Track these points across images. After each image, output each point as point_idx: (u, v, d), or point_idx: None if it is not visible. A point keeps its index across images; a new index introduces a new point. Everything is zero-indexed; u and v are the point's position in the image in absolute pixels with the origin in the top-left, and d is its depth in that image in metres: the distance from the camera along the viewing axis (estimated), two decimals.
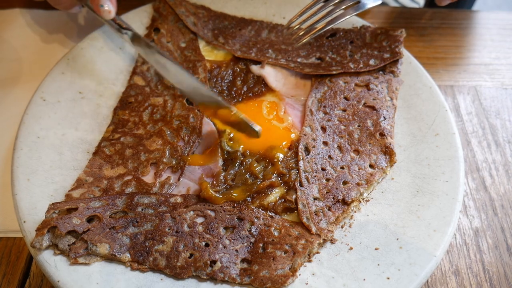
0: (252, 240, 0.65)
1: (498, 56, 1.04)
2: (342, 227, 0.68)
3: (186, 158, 0.73)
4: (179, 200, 0.68)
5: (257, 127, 0.72)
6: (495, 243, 0.77)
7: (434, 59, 1.03)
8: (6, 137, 0.84)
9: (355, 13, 0.81)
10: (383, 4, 1.23)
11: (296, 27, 0.82)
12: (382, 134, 0.76)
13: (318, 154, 0.74)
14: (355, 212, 0.69)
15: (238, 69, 0.86)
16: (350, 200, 0.69)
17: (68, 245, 0.61)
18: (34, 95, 0.78)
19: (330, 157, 0.74)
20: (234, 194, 0.69)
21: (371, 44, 0.88)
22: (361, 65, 0.85)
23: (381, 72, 0.85)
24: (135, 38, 0.82)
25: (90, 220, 0.64)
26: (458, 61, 1.03)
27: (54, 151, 0.73)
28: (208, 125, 0.78)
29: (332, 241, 0.66)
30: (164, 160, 0.72)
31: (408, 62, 0.86)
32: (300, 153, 0.73)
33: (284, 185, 0.70)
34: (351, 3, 0.81)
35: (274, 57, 0.88)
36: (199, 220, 0.66)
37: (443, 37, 1.07)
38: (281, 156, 0.73)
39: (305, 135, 0.76)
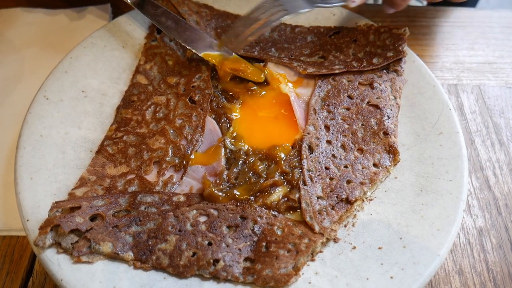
0: (255, 239, 0.65)
1: (502, 54, 1.04)
2: (345, 226, 0.68)
3: (189, 157, 0.73)
4: (182, 199, 0.68)
5: (262, 70, 0.82)
6: (499, 242, 0.76)
7: (438, 57, 1.02)
8: (9, 136, 0.84)
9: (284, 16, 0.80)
10: None
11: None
12: (385, 133, 0.76)
13: (322, 153, 0.73)
14: (358, 211, 0.69)
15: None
16: (353, 199, 0.68)
17: (71, 244, 0.61)
18: (37, 94, 0.78)
19: (333, 156, 0.73)
20: (237, 193, 0.69)
21: (374, 43, 0.87)
22: (365, 64, 0.84)
23: (384, 71, 0.84)
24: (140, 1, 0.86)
25: (93, 218, 0.64)
26: (461, 60, 1.03)
27: (57, 149, 0.73)
28: (210, 124, 0.77)
29: (335, 240, 0.66)
30: (167, 159, 0.72)
31: (412, 61, 0.86)
32: (303, 152, 0.73)
33: (288, 184, 0.70)
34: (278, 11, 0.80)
35: (277, 55, 0.88)
36: (202, 219, 0.66)
37: (447, 36, 1.06)
38: (283, 155, 0.73)
39: (308, 134, 0.76)
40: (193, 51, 0.84)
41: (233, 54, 0.84)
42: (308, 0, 0.82)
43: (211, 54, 0.83)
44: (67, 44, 0.95)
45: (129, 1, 0.87)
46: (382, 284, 0.61)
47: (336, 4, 0.84)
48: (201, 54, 0.83)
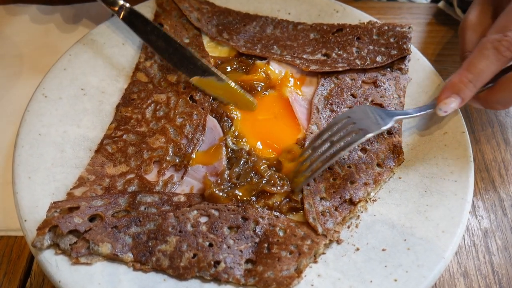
0: (257, 240, 0.63)
1: None
2: (348, 227, 0.67)
3: (189, 156, 0.72)
4: (182, 199, 0.67)
5: (254, 100, 0.78)
6: (504, 244, 0.75)
7: (442, 55, 1.01)
8: (7, 135, 0.83)
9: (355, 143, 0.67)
10: None
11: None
12: (389, 133, 0.75)
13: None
14: (362, 212, 0.68)
15: (243, 66, 0.84)
16: (357, 200, 0.67)
17: (70, 245, 0.60)
18: (35, 92, 0.77)
19: None
20: (239, 193, 0.68)
21: (378, 41, 0.86)
22: (368, 62, 0.83)
23: (388, 69, 0.83)
24: (129, 14, 0.83)
25: (92, 219, 0.63)
26: None
27: (55, 148, 0.72)
28: (212, 123, 0.76)
29: (339, 242, 0.65)
30: (167, 158, 0.71)
31: (416, 59, 0.85)
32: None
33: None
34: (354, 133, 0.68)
35: (279, 53, 0.86)
36: (203, 219, 0.65)
37: (451, 34, 1.05)
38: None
39: (311, 133, 0.74)
40: (183, 75, 0.80)
41: (225, 81, 0.78)
42: (387, 113, 0.71)
43: (202, 80, 0.79)
44: (66, 41, 0.94)
45: (120, 18, 0.84)
46: (386, 286, 0.60)
47: (421, 113, 0.73)
48: (191, 79, 0.79)
